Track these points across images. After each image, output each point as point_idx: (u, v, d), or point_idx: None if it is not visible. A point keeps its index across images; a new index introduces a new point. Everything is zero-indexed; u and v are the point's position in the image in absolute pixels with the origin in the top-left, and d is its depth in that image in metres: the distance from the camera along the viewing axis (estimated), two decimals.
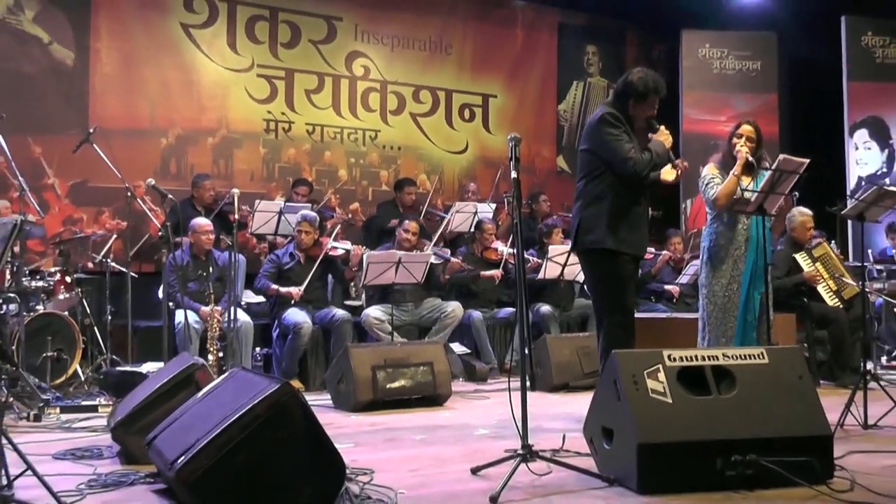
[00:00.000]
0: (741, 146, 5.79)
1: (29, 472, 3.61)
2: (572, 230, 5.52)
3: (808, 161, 5.56)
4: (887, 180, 11.49)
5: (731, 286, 5.76)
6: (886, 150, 12.04)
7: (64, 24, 9.34)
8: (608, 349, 4.86)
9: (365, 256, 7.95)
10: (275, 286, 8.02)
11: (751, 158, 5.68)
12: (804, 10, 11.71)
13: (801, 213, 8.11)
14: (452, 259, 8.90)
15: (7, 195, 8.33)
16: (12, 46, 9.06)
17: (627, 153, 5.20)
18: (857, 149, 11.98)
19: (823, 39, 11.91)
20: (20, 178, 6.97)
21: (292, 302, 7.93)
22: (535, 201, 10.72)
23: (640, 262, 5.68)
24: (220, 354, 7.39)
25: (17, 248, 6.90)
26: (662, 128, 5.40)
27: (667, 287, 9.84)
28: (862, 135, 12.00)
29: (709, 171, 5.90)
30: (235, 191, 7.35)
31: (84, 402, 6.47)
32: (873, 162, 12.02)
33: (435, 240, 9.40)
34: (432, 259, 8.69)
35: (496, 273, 8.98)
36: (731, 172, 5.72)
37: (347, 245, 8.47)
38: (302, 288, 7.96)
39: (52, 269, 7.72)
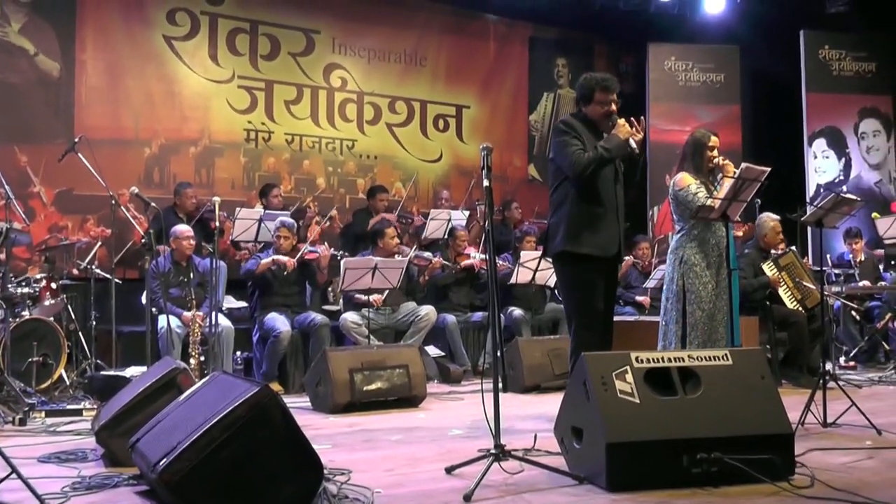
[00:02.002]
0: (724, 160, 5.82)
1: (14, 475, 3.57)
2: (544, 238, 5.56)
3: (769, 169, 5.58)
4: (844, 188, 11.60)
5: (716, 291, 5.74)
6: (843, 159, 12.15)
7: (50, 35, 9.29)
8: (577, 351, 4.86)
9: (342, 263, 7.93)
10: (265, 260, 7.98)
11: (735, 169, 5.69)
12: (765, 25, 11.82)
13: (770, 219, 8.13)
14: (433, 258, 8.91)
15: None
16: None
17: (570, 156, 5.25)
18: (815, 157, 12.08)
19: (783, 53, 12.03)
20: (6, 186, 6.92)
21: (285, 268, 7.90)
22: (508, 208, 10.74)
23: (613, 265, 5.59)
24: (202, 358, 7.33)
25: (2, 255, 6.86)
26: (620, 121, 5.35)
27: (638, 299, 9.84)
28: (820, 144, 12.11)
29: (686, 180, 5.83)
30: (216, 199, 7.32)
31: (69, 406, 6.38)
32: (831, 170, 12.12)
33: (416, 245, 9.40)
34: (415, 261, 8.70)
35: (476, 262, 8.98)
36: (723, 184, 5.69)
37: (319, 249, 8.46)
38: (295, 260, 7.94)
39: (38, 276, 7.66)
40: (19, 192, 8.23)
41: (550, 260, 5.80)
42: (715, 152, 5.86)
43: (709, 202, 5.64)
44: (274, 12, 10.74)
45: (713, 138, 5.92)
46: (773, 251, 8.27)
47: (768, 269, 7.94)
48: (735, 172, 5.63)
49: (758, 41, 11.96)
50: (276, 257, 7.98)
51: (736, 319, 5.69)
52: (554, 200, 5.46)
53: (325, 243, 8.69)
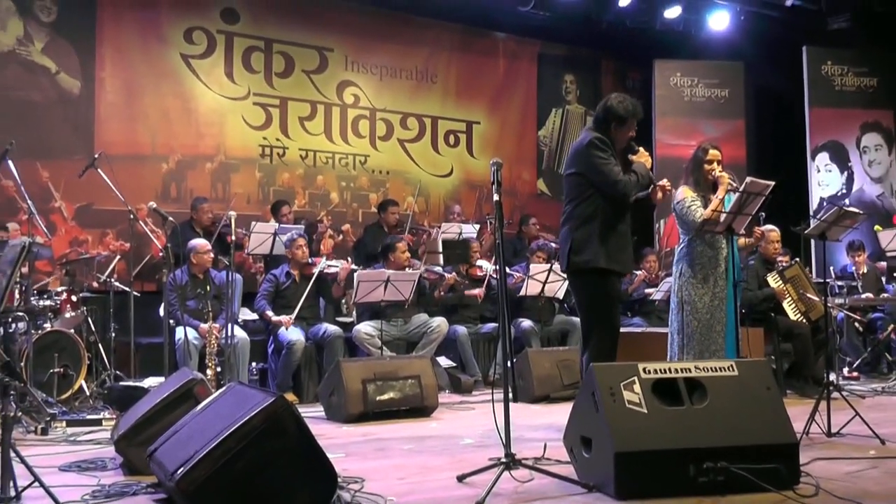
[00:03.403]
0: (720, 171, 5.82)
1: (36, 483, 3.60)
2: (563, 252, 5.43)
3: (773, 183, 5.58)
4: (847, 201, 11.56)
5: (713, 303, 5.74)
6: (846, 173, 12.13)
7: (71, 54, 9.35)
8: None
9: (356, 276, 7.94)
10: (269, 312, 8.02)
11: (734, 183, 5.70)
12: (768, 41, 11.83)
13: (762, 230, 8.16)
14: (448, 275, 8.90)
15: (16, 218, 8.28)
16: (22, 76, 9.06)
17: (617, 176, 5.21)
18: (818, 171, 12.06)
19: (786, 69, 12.04)
20: (29, 201, 6.95)
21: (286, 329, 7.90)
22: (526, 223, 10.74)
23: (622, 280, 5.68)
24: (219, 369, 7.35)
25: (25, 269, 6.87)
26: (642, 149, 5.40)
27: (647, 291, 9.85)
28: (823, 158, 12.09)
29: (685, 193, 5.84)
30: (232, 213, 7.34)
31: (89, 416, 6.41)
32: (834, 184, 12.10)
33: (425, 258, 9.39)
34: (425, 275, 8.69)
35: (479, 292, 9.00)
36: (716, 196, 5.70)
37: (339, 263, 8.46)
38: (293, 316, 7.92)
39: (59, 289, 7.69)
40: (41, 206, 8.26)
41: (564, 273, 5.78)
42: (714, 164, 5.86)
43: (701, 217, 5.66)
44: (288, 31, 10.77)
45: (710, 151, 5.90)
46: (778, 263, 8.26)
47: (773, 280, 7.92)
48: (731, 184, 5.67)
49: (761, 57, 11.99)
50: (274, 318, 7.97)
51: (737, 331, 5.69)
52: (578, 214, 5.33)
53: (349, 258, 8.69)
